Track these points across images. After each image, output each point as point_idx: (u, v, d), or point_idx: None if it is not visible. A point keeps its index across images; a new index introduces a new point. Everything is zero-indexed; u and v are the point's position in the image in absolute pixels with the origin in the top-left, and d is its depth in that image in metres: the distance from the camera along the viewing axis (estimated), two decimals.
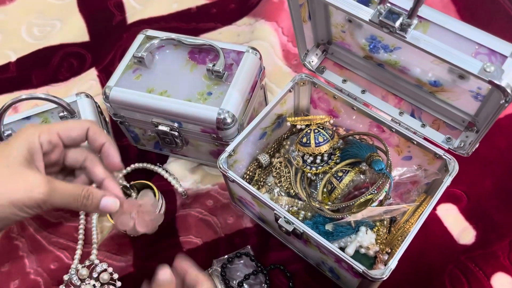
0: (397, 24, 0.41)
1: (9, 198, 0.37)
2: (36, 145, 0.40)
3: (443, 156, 0.53)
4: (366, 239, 0.54)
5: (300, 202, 0.59)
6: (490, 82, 0.39)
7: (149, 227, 0.50)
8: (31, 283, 0.60)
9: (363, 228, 0.54)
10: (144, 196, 0.59)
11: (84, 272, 0.58)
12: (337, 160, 0.59)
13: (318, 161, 0.58)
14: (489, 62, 0.39)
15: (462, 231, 0.60)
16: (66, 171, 0.45)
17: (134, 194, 0.64)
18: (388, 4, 0.42)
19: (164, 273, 0.40)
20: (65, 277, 0.58)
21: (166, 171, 0.66)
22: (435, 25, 0.43)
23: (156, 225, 0.50)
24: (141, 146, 0.70)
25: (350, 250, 0.53)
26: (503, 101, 0.40)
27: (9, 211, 0.37)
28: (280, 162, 0.62)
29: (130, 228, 0.50)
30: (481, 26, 0.77)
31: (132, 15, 0.86)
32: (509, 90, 0.39)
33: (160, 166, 0.66)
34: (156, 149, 0.69)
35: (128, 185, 0.64)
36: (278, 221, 0.52)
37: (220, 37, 0.82)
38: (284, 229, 0.52)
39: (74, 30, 0.85)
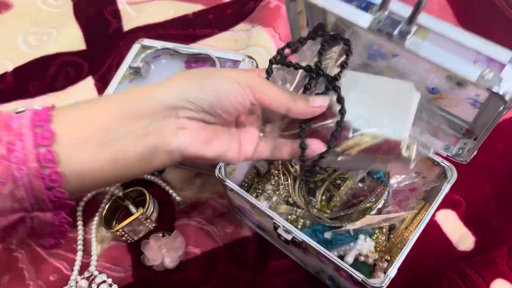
0: (396, 31, 0.41)
1: (228, 73, 0.40)
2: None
3: (441, 164, 0.53)
4: (365, 246, 0.54)
5: (298, 210, 0.59)
6: (488, 89, 0.39)
7: (176, 263, 0.56)
8: None
9: (362, 236, 0.54)
10: (175, 235, 0.60)
11: (83, 283, 0.58)
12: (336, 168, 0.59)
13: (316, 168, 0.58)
14: (487, 70, 0.39)
15: (461, 237, 0.60)
16: None
17: (129, 204, 0.64)
18: (387, 12, 0.42)
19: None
20: None
21: (164, 181, 0.66)
22: (434, 32, 0.43)
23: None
24: None
25: (350, 258, 0.53)
26: (501, 108, 0.40)
27: (226, 86, 0.39)
28: (278, 170, 0.62)
29: (158, 263, 0.55)
30: (478, 29, 0.77)
31: (129, 23, 0.85)
32: (507, 98, 0.39)
33: (157, 176, 0.66)
34: None
35: (122, 196, 0.64)
36: (277, 230, 0.52)
37: (217, 43, 0.81)
38: (283, 238, 0.52)
39: (71, 38, 0.85)
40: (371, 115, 0.44)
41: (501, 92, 0.39)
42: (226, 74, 0.40)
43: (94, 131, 0.35)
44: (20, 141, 0.32)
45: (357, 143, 0.43)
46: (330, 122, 0.43)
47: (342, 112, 0.43)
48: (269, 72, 0.45)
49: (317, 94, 0.44)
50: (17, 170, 0.32)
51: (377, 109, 0.44)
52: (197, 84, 0.38)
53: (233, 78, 0.39)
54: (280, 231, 0.51)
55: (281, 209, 0.59)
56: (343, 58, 0.46)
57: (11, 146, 0.31)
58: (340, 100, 0.43)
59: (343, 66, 0.46)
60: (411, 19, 0.40)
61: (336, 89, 0.44)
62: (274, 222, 0.52)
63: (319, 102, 0.42)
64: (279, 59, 0.46)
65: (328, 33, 0.48)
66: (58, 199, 0.34)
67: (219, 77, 0.39)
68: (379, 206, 0.53)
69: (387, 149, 0.43)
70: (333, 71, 0.45)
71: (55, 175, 0.33)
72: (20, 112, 0.35)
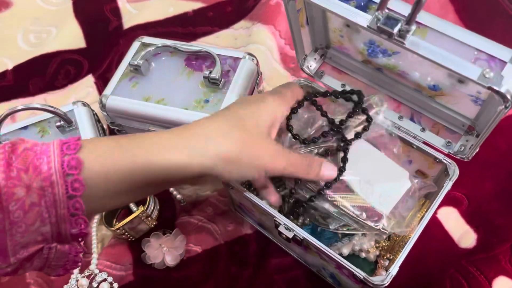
0: (396, 30, 0.41)
1: (256, 161, 0.42)
2: (279, 120, 0.47)
3: (443, 161, 0.53)
4: (365, 241, 0.54)
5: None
6: (489, 88, 0.39)
7: (177, 261, 0.56)
8: None
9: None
10: (176, 233, 0.60)
11: (84, 282, 0.57)
12: None
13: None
14: (488, 68, 0.39)
15: (463, 234, 0.60)
16: None
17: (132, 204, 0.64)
18: (386, 10, 0.41)
19: None
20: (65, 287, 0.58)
21: None
22: (433, 30, 0.43)
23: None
24: None
25: (345, 250, 0.53)
26: (503, 107, 0.40)
27: (250, 172, 0.43)
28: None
29: (159, 261, 0.56)
30: (480, 26, 0.77)
31: (128, 20, 0.85)
32: (509, 96, 0.39)
33: None
34: None
35: None
36: (278, 228, 0.52)
37: (218, 41, 0.81)
38: (284, 236, 0.52)
39: (71, 36, 0.84)
40: (367, 183, 0.51)
41: (502, 90, 0.38)
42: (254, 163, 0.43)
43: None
44: (51, 188, 0.33)
45: (347, 197, 0.50)
46: None
47: (342, 170, 0.50)
48: (294, 112, 0.52)
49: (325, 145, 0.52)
50: (45, 212, 0.33)
51: (373, 180, 0.51)
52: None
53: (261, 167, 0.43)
54: (281, 228, 0.51)
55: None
56: (361, 127, 0.53)
57: (42, 192, 0.33)
58: (344, 160, 0.50)
59: (357, 135, 0.52)
60: (410, 18, 0.40)
61: (345, 151, 0.51)
62: (275, 220, 0.52)
63: (327, 175, 0.49)
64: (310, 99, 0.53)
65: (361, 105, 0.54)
66: (78, 224, 0.35)
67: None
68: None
69: (370, 215, 0.50)
70: (349, 134, 0.52)
71: (78, 187, 0.34)
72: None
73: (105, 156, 0.36)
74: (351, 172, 0.51)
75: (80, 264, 0.39)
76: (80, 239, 0.37)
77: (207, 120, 0.43)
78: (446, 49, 0.41)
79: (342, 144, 0.51)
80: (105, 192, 0.36)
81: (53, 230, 0.34)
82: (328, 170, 0.48)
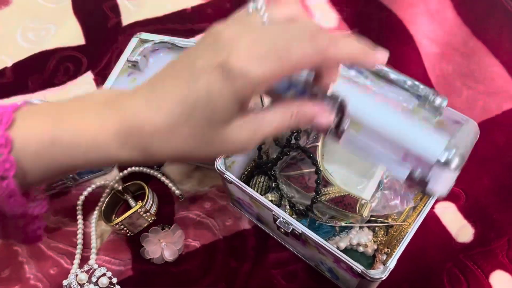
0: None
1: (210, 157, 0.34)
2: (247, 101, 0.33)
3: None
4: (363, 235, 0.54)
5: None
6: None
7: (176, 256, 0.56)
8: None
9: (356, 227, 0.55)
10: (174, 228, 0.61)
11: (83, 277, 0.58)
12: None
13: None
14: (416, 171, 0.36)
15: (460, 229, 0.60)
16: None
17: (129, 197, 0.65)
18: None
19: None
20: (65, 282, 0.58)
21: (163, 174, 0.66)
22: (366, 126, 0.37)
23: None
24: None
25: (342, 243, 0.54)
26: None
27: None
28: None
29: (158, 256, 0.56)
30: (478, 21, 0.77)
31: (127, 17, 0.85)
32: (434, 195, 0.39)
33: (157, 169, 0.66)
34: None
35: (121, 190, 0.64)
36: (277, 222, 0.52)
37: None
38: (282, 230, 0.52)
39: (70, 33, 0.85)
40: (344, 173, 0.53)
41: (427, 191, 0.37)
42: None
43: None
44: None
45: (327, 193, 0.52)
46: (307, 172, 0.54)
47: (318, 172, 0.53)
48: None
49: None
50: None
51: (349, 170, 0.53)
52: None
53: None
54: (279, 223, 0.52)
55: (269, 197, 0.58)
56: None
57: None
58: (318, 171, 0.53)
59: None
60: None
61: (315, 162, 0.53)
62: (273, 214, 0.52)
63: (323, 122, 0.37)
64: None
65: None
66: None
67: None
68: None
69: (347, 203, 0.51)
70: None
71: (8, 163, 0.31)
72: None
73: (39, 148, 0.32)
74: (329, 166, 0.53)
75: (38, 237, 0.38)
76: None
77: (149, 104, 0.32)
78: (378, 144, 0.37)
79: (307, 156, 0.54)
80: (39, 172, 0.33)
81: None
82: (323, 118, 0.35)
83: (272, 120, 0.34)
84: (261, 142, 0.39)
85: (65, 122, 0.32)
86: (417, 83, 0.37)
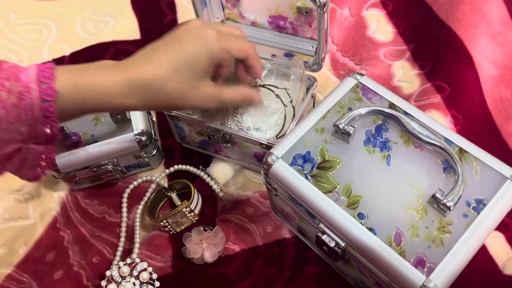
0: None
1: (187, 105, 0.48)
2: (215, 61, 0.48)
3: None
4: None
5: None
6: None
7: (215, 258, 0.57)
8: (74, 275, 0.62)
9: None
10: (217, 231, 0.61)
11: (126, 269, 0.59)
12: None
13: None
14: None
15: (508, 260, 0.58)
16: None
17: (173, 195, 0.66)
18: None
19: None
20: (107, 273, 0.59)
21: (208, 175, 0.66)
22: None
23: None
24: (185, 144, 0.71)
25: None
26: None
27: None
28: None
29: (198, 257, 0.57)
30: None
31: (183, 15, 0.86)
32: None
33: (203, 170, 0.67)
34: (200, 148, 0.70)
35: (166, 187, 0.65)
36: (322, 238, 0.51)
37: None
38: (325, 248, 0.51)
39: (126, 27, 0.86)
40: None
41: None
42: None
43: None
44: (28, 93, 0.40)
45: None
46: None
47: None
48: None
49: None
50: (24, 114, 0.40)
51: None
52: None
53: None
54: (324, 238, 0.51)
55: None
56: None
57: (21, 96, 0.39)
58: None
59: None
60: None
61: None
62: (317, 235, 0.51)
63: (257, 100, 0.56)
64: None
65: None
66: (50, 125, 0.42)
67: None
68: None
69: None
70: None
71: (50, 90, 0.41)
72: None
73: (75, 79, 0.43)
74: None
75: (53, 165, 0.48)
76: (53, 142, 0.44)
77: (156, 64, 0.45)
78: None
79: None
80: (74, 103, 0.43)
81: (30, 131, 0.41)
82: (258, 96, 0.54)
83: (231, 91, 0.51)
84: (219, 104, 0.50)
85: (86, 76, 0.43)
86: None
